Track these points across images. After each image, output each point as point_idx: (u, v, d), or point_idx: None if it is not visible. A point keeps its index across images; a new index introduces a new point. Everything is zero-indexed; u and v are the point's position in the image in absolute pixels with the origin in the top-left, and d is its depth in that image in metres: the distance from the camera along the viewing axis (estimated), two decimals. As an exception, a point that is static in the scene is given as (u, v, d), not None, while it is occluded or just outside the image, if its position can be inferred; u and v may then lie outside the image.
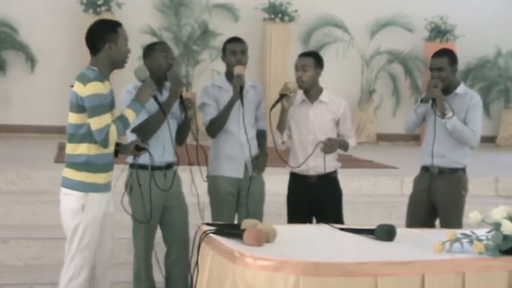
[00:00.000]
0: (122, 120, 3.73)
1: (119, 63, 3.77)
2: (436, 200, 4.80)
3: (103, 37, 3.70)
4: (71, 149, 3.72)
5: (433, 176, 4.79)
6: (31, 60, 10.77)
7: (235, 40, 4.71)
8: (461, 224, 4.70)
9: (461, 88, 4.78)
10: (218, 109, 4.61)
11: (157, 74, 4.35)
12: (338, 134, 4.73)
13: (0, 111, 10.77)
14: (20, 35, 10.76)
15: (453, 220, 4.70)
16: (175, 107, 4.37)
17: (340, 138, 4.71)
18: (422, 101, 4.76)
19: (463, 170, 4.84)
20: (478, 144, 4.76)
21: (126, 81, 4.49)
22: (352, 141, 4.74)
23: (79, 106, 3.64)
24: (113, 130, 3.65)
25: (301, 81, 4.62)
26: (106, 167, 3.77)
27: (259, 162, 4.66)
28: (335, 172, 4.78)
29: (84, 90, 3.61)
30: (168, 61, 4.38)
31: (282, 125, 4.64)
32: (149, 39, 10.81)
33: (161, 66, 4.35)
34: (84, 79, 3.64)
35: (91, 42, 3.75)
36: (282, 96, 4.53)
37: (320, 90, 4.74)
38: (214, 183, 4.68)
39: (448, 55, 4.73)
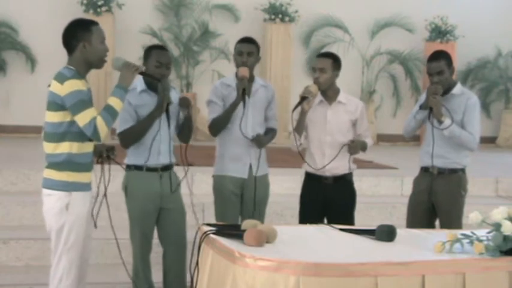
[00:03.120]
0: (107, 110, 3.62)
1: (95, 62, 3.71)
2: (436, 201, 4.80)
3: (76, 36, 3.66)
4: (51, 148, 3.67)
5: (433, 176, 4.79)
6: (31, 60, 10.79)
7: (244, 40, 4.66)
8: (461, 225, 4.71)
9: (457, 88, 4.76)
10: (224, 107, 4.60)
11: (153, 85, 4.33)
12: (354, 135, 4.70)
13: (0, 111, 10.79)
14: (20, 36, 10.78)
15: (453, 220, 4.69)
16: (174, 106, 4.35)
17: (360, 139, 4.69)
18: (421, 107, 4.75)
19: (463, 170, 4.83)
20: (477, 146, 4.75)
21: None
22: (369, 141, 4.74)
23: (57, 105, 3.59)
24: (100, 121, 3.56)
25: (319, 83, 4.59)
26: (87, 166, 3.73)
27: (260, 138, 4.59)
28: (351, 174, 4.76)
29: (62, 89, 3.56)
30: (161, 71, 4.27)
31: (300, 127, 4.61)
32: (149, 40, 10.84)
33: (153, 74, 4.28)
34: (61, 78, 3.60)
35: (66, 42, 3.71)
36: (303, 99, 4.52)
37: (337, 91, 4.73)
38: (219, 183, 4.68)
39: (444, 57, 4.70)
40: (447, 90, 4.71)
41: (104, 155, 3.95)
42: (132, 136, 4.27)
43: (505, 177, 7.92)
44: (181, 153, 4.29)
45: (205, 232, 3.43)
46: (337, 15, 11.69)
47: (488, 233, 3.36)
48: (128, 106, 4.22)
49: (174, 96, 4.37)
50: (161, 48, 4.48)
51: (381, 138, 12.02)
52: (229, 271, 3.10)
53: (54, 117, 3.62)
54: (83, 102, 3.56)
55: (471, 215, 3.41)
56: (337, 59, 4.72)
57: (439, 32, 12.05)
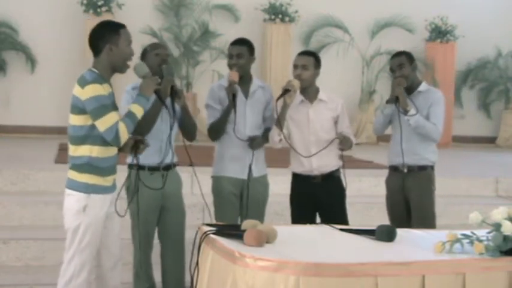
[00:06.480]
0: (129, 116, 3.67)
1: (119, 66, 3.71)
2: (410, 198, 4.85)
3: (103, 38, 3.67)
4: (72, 150, 3.70)
5: (404, 174, 4.85)
6: (31, 60, 10.78)
7: (234, 43, 4.67)
8: (435, 221, 4.81)
9: (423, 86, 4.90)
10: (223, 110, 4.60)
11: (155, 73, 4.35)
12: (336, 132, 4.70)
13: (0, 111, 10.78)
14: (20, 36, 10.77)
15: (427, 216, 4.79)
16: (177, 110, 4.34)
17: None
18: (388, 101, 4.85)
19: (432, 167, 4.91)
20: (440, 137, 4.85)
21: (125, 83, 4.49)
22: (352, 139, 4.74)
23: (78, 108, 3.60)
24: (122, 127, 3.60)
25: (301, 80, 4.61)
26: (109, 170, 3.73)
27: (254, 141, 4.60)
28: (338, 170, 4.77)
29: (82, 93, 3.58)
30: (161, 57, 4.36)
31: (282, 120, 4.57)
32: (150, 40, 10.80)
33: (154, 64, 4.32)
34: (82, 82, 3.61)
35: (93, 43, 3.72)
36: (286, 91, 4.52)
37: (317, 90, 4.75)
38: (218, 184, 4.67)
39: (405, 54, 4.90)
40: (413, 88, 4.86)
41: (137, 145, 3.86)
42: (142, 126, 4.19)
43: (505, 177, 7.92)
44: (186, 152, 4.28)
45: (205, 232, 3.43)
46: (337, 15, 11.69)
47: (488, 233, 3.36)
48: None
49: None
50: (152, 43, 4.67)
51: (381, 138, 11.95)
52: (229, 271, 3.10)
53: (76, 120, 3.64)
54: (104, 107, 3.58)
55: (471, 215, 3.41)
56: (318, 57, 4.77)
57: (439, 32, 12.05)
